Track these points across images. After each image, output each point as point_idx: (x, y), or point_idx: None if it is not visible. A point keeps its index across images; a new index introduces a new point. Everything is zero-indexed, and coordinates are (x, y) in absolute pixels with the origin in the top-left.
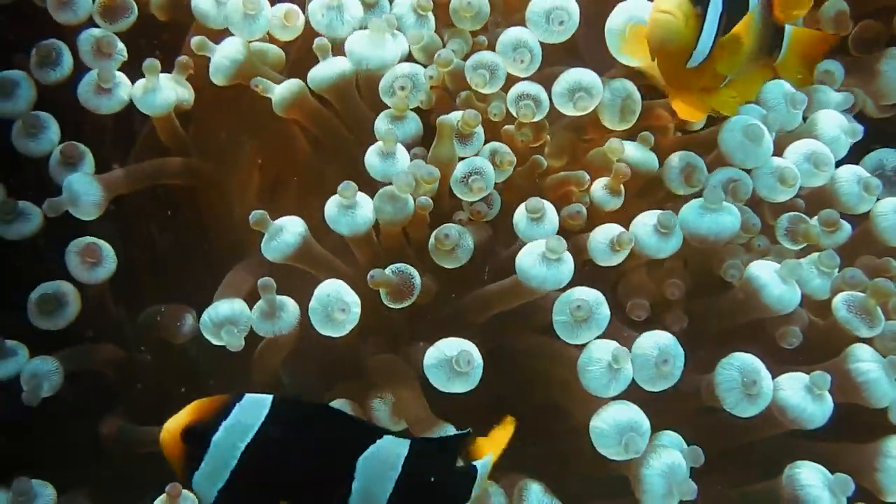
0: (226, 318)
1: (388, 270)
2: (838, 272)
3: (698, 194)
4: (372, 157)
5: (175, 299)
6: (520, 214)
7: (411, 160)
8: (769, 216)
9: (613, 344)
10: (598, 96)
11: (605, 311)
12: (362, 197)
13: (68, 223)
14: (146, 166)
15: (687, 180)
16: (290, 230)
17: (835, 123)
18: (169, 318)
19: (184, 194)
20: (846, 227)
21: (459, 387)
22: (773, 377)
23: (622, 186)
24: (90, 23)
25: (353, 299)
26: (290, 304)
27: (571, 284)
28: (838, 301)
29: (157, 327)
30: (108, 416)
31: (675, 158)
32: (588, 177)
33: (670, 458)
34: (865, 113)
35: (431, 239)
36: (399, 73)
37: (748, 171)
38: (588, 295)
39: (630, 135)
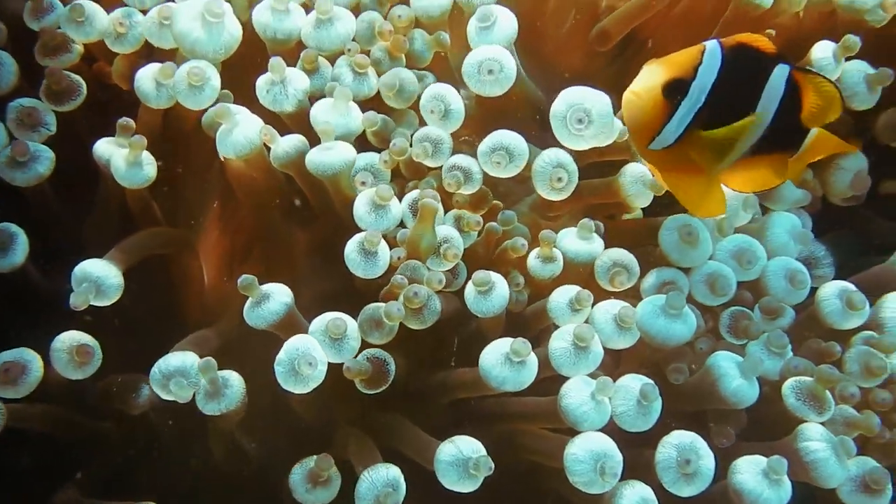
0: (176, 369)
1: (362, 357)
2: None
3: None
4: (353, 253)
5: (141, 364)
6: (469, 288)
7: (393, 256)
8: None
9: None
10: (521, 157)
11: (599, 348)
12: (351, 328)
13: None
14: (140, 239)
15: (611, 282)
16: (276, 298)
17: (785, 230)
18: (125, 388)
19: (153, 258)
20: (789, 313)
21: (467, 488)
22: (729, 456)
23: (556, 253)
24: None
25: (321, 357)
26: (234, 379)
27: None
28: (787, 388)
29: (113, 397)
30: (65, 487)
31: (605, 257)
32: (525, 243)
33: (643, 491)
34: (829, 199)
35: (400, 298)
36: (360, 165)
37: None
38: (588, 328)
39: (590, 212)
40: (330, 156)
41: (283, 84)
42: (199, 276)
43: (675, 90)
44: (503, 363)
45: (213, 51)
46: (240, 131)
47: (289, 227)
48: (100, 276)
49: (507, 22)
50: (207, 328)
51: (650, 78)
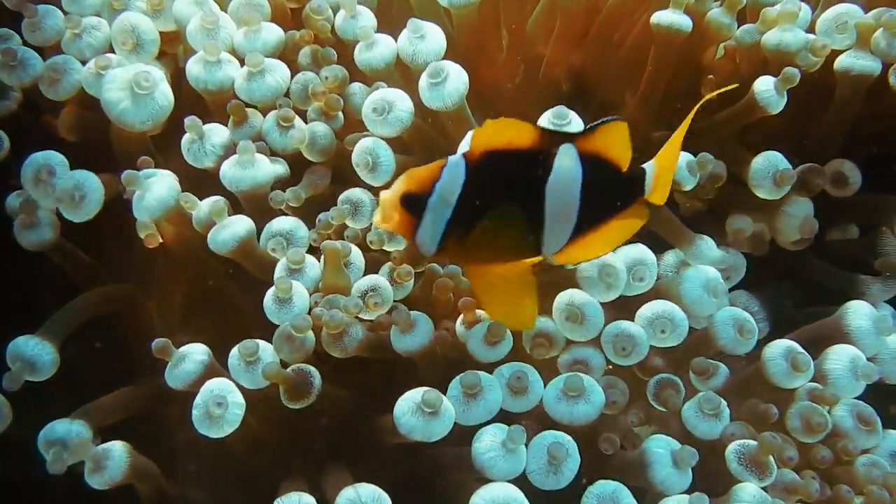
0: (58, 438)
1: (288, 369)
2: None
3: None
4: (269, 302)
5: None
6: (393, 327)
7: (312, 301)
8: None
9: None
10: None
11: (497, 395)
12: (264, 350)
13: None
14: (78, 304)
15: (531, 352)
16: (192, 358)
17: (699, 284)
18: None
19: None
20: (722, 370)
21: None
22: None
23: (480, 316)
24: None
25: (236, 400)
26: (115, 450)
27: None
28: (730, 453)
29: None
30: None
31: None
32: (451, 283)
33: None
34: (777, 244)
35: (324, 330)
36: (272, 231)
37: None
38: (483, 375)
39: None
40: (223, 234)
41: (201, 141)
42: (151, 331)
43: (412, 204)
44: (413, 412)
45: (140, 122)
46: (150, 195)
47: (232, 282)
48: (33, 355)
49: (457, 78)
50: (135, 385)
51: (394, 188)
